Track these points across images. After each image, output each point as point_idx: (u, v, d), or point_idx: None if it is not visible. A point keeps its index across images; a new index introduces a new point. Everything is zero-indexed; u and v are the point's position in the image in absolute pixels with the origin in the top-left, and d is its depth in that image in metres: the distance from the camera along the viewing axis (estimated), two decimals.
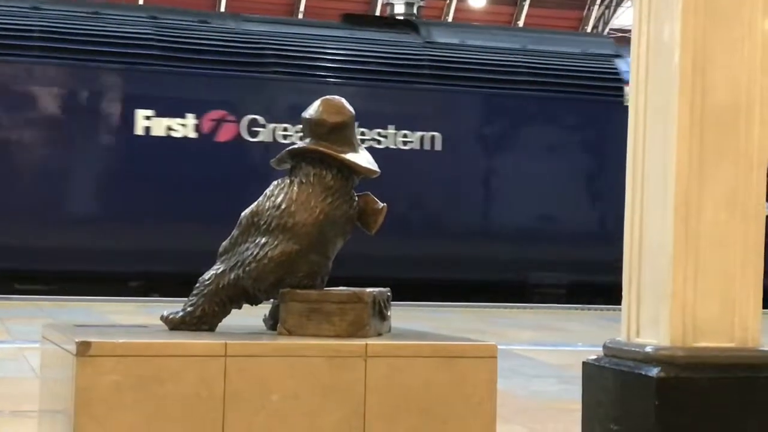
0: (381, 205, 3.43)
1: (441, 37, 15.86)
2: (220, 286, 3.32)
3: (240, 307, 3.38)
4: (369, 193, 3.44)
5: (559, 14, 38.66)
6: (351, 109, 3.42)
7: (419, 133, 14.90)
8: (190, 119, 14.23)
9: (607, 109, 15.45)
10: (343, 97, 3.42)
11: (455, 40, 15.85)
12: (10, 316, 9.54)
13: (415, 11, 24.98)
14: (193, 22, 14.97)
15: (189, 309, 3.34)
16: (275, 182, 3.39)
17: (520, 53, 15.92)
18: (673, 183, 3.24)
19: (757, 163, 3.31)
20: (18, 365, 6.36)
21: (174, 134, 14.18)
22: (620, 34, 36.31)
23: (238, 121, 14.37)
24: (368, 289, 3.30)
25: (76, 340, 2.96)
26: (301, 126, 3.43)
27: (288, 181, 3.36)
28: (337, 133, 3.37)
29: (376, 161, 3.42)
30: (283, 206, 3.30)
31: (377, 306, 3.33)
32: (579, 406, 3.49)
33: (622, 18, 38.13)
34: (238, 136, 14.36)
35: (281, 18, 16.81)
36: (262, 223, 3.31)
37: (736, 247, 3.28)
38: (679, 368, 3.19)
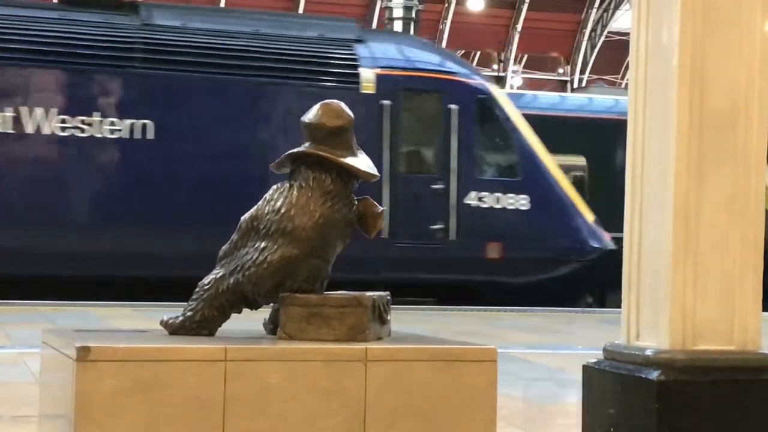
0: (380, 208, 3.43)
1: (161, 19, 14.69)
2: (220, 290, 3.31)
3: (240, 312, 3.38)
4: (368, 197, 3.44)
5: (557, 17, 38.69)
6: (350, 113, 3.42)
7: (129, 121, 13.64)
8: None
9: (341, 96, 14.79)
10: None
11: (177, 23, 14.69)
12: (10, 321, 9.52)
13: (413, 15, 25.03)
14: None
15: (188, 313, 3.34)
16: (275, 186, 3.38)
17: (248, 37, 14.83)
18: (672, 185, 3.24)
19: (756, 165, 3.31)
20: (18, 370, 6.36)
21: None
22: (618, 37, 36.35)
23: None
24: (368, 293, 3.30)
25: (76, 345, 2.96)
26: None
27: (287, 185, 3.35)
28: (336, 136, 3.36)
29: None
30: (282, 210, 3.29)
31: (377, 310, 3.33)
32: (579, 409, 3.49)
33: (621, 21, 38.17)
34: None
35: None
36: (261, 227, 3.31)
37: (736, 249, 3.27)
38: (679, 371, 3.19)
